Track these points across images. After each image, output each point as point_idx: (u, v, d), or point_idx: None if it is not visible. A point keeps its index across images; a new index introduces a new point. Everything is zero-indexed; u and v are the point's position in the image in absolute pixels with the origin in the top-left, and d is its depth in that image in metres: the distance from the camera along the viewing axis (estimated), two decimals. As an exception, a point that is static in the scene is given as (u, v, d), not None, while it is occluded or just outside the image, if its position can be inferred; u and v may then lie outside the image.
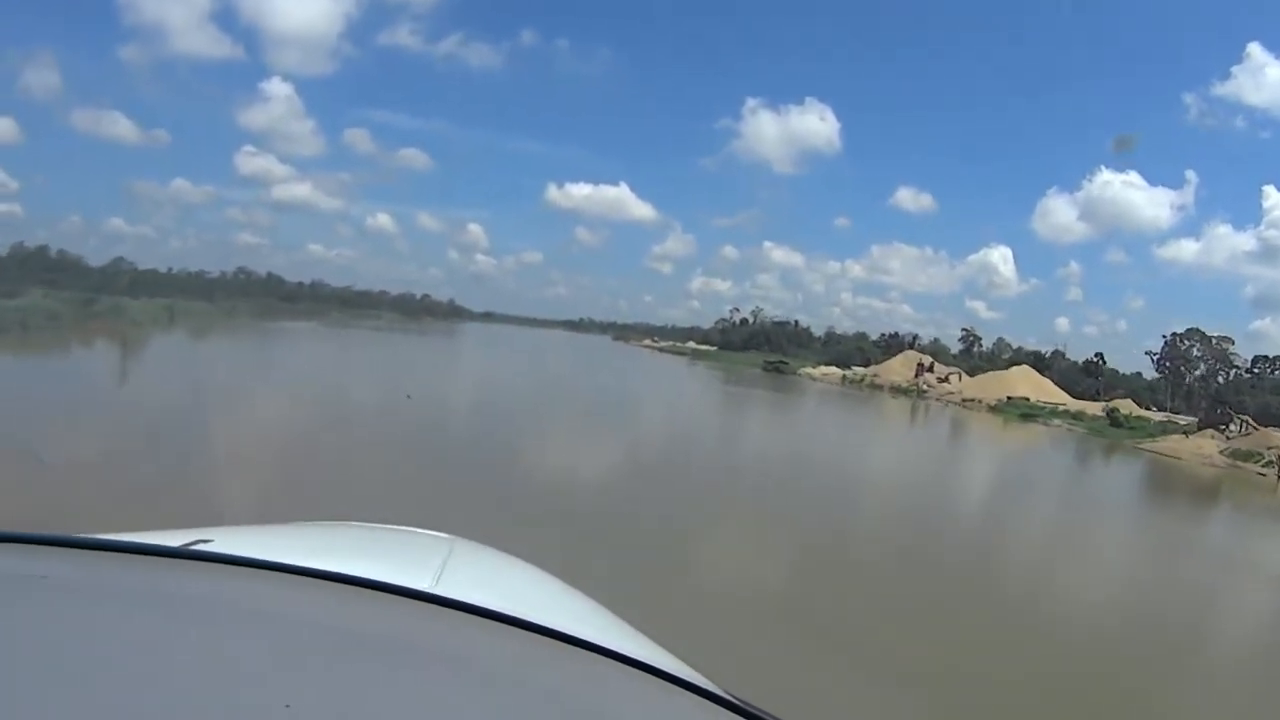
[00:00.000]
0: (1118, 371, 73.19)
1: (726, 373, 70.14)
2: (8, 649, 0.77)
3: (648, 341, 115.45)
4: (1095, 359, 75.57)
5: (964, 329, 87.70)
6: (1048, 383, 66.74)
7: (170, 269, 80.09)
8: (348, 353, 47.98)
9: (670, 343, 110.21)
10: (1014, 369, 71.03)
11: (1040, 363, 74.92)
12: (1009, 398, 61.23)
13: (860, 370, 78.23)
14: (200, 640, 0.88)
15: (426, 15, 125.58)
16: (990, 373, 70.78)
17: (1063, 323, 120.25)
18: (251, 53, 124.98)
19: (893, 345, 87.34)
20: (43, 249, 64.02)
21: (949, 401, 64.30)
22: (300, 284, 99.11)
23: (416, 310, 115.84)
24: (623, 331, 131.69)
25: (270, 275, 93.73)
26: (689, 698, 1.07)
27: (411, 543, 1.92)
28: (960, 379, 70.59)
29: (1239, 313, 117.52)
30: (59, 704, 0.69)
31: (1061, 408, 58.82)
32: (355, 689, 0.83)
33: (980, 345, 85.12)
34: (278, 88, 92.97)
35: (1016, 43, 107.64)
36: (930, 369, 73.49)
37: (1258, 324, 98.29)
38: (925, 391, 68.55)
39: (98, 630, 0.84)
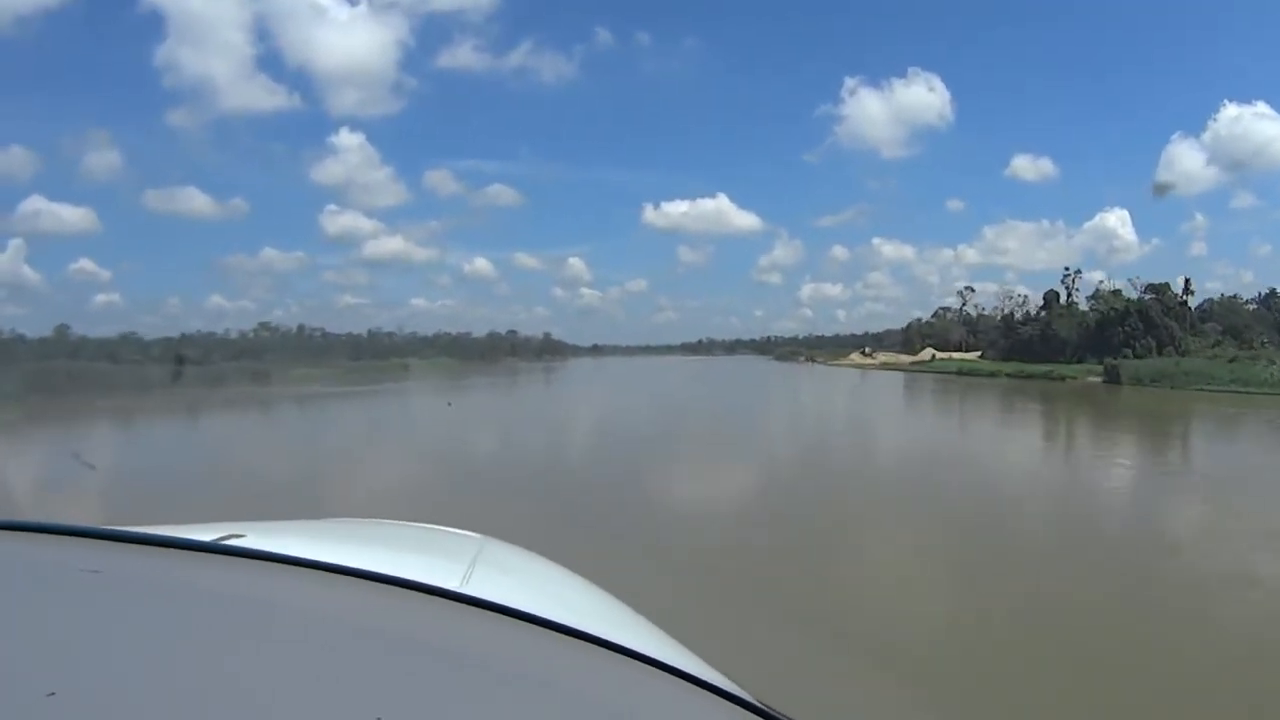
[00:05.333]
0: None
1: None
2: (60, 640, 0.82)
3: (855, 358, 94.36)
4: None
5: None
6: None
7: (195, 331, 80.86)
8: None
9: (887, 356, 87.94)
10: None
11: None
12: None
13: None
14: (224, 634, 0.91)
15: (487, 26, 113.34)
16: None
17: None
18: (309, 100, 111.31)
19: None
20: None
21: None
22: (350, 335, 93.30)
23: (497, 351, 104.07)
24: (787, 348, 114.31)
25: (301, 328, 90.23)
26: (717, 702, 1.07)
27: (441, 541, 1.95)
28: None
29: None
30: (93, 690, 0.72)
31: None
32: (378, 686, 0.85)
33: None
34: (347, 138, 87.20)
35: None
36: None
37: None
38: None
39: (127, 622, 0.90)
